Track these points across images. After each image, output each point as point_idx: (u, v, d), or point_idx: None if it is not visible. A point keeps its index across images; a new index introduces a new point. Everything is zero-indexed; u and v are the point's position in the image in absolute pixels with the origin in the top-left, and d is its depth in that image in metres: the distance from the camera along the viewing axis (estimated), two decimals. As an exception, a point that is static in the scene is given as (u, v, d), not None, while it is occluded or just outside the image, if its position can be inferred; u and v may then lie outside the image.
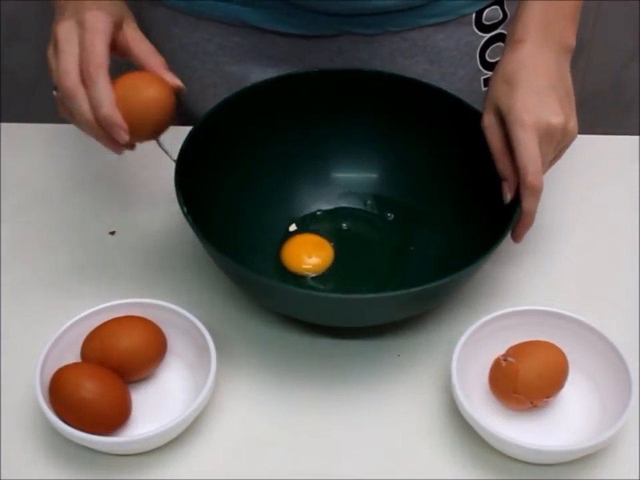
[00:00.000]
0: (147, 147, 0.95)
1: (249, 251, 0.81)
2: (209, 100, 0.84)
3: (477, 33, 0.93)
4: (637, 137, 0.96)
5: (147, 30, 1.01)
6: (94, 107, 0.69)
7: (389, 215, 0.87)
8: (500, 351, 0.71)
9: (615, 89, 1.69)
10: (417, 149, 0.86)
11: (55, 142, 0.97)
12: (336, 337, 0.77)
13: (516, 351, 0.70)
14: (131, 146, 0.73)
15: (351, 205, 0.88)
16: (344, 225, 0.87)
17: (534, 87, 0.73)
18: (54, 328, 0.72)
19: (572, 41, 0.78)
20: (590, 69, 1.65)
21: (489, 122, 0.76)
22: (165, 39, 0.98)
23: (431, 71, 0.94)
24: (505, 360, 0.69)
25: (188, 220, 0.72)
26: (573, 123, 0.75)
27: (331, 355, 0.77)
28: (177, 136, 0.77)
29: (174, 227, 0.84)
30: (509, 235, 0.75)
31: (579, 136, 0.97)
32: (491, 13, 0.93)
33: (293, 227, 0.86)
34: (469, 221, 0.81)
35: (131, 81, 0.72)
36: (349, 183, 0.89)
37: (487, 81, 0.97)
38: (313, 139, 0.87)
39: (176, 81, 0.72)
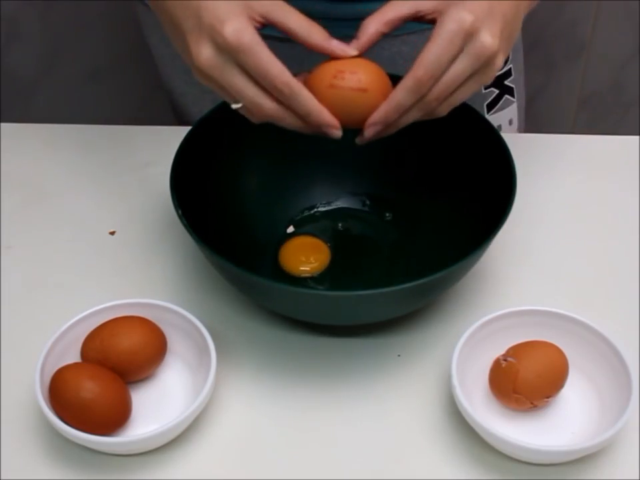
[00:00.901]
0: (147, 147, 0.96)
1: (247, 252, 0.81)
2: (207, 104, 0.84)
3: None
4: (637, 136, 0.96)
5: (145, 33, 1.01)
6: (301, 117, 0.66)
7: (387, 214, 0.87)
8: (500, 351, 0.71)
9: (615, 89, 1.69)
10: (414, 148, 0.86)
11: (55, 142, 0.97)
12: (336, 337, 0.77)
13: (516, 350, 0.70)
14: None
15: (349, 205, 0.88)
16: (341, 225, 0.87)
17: (490, 2, 0.66)
18: (54, 328, 0.72)
19: None
20: (590, 69, 1.65)
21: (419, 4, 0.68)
22: (163, 43, 0.97)
23: None
24: (504, 360, 0.69)
25: (182, 222, 0.72)
26: (501, 61, 0.67)
27: (331, 355, 0.77)
28: (173, 138, 0.78)
29: (174, 227, 0.84)
30: (507, 235, 0.75)
31: (579, 136, 0.98)
32: None
33: (290, 229, 0.86)
34: (467, 219, 0.81)
35: (327, 71, 0.68)
36: (347, 183, 0.89)
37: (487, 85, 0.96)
38: (309, 140, 0.87)
39: (348, 51, 0.68)
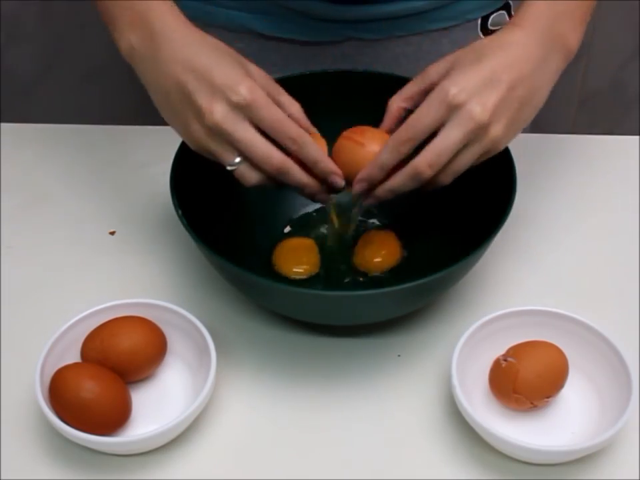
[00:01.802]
0: (147, 147, 0.96)
1: (247, 252, 0.81)
2: None
3: (481, 38, 0.92)
4: (637, 136, 0.96)
5: None
6: (311, 165, 0.70)
7: (386, 214, 0.87)
8: (500, 351, 0.71)
9: (615, 88, 1.69)
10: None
11: (55, 142, 0.97)
12: (336, 337, 0.77)
13: (516, 350, 0.70)
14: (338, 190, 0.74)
15: (349, 205, 0.88)
16: (341, 224, 0.86)
17: (490, 69, 0.68)
18: (54, 328, 0.72)
19: (574, 45, 0.73)
20: (590, 69, 1.65)
21: (434, 71, 0.71)
22: None
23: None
24: (504, 360, 0.69)
25: (182, 222, 0.72)
26: (498, 130, 0.68)
27: (331, 355, 0.77)
28: (173, 138, 0.77)
29: (174, 227, 0.84)
30: (507, 235, 0.75)
31: (579, 136, 0.98)
32: (497, 18, 0.93)
33: (287, 229, 0.86)
34: (467, 219, 0.81)
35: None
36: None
37: None
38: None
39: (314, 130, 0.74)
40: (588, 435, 0.68)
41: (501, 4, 0.93)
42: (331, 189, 0.72)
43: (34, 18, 1.58)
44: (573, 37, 0.73)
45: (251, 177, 0.70)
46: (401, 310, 0.76)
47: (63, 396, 0.68)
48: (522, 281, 0.82)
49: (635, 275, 0.82)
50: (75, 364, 0.71)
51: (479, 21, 0.92)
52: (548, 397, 0.70)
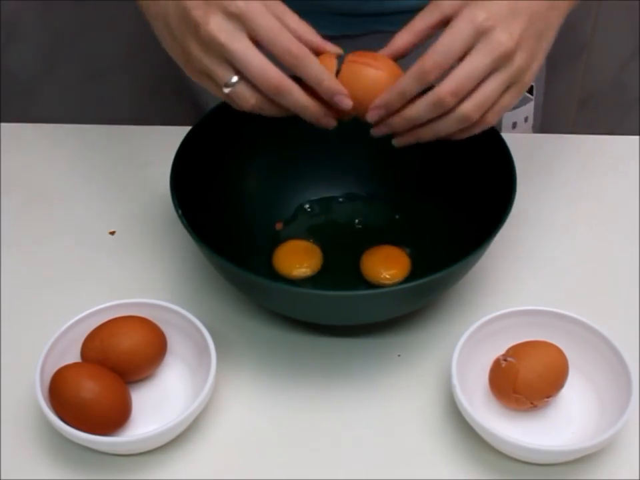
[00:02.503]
0: (147, 147, 0.96)
1: (247, 252, 0.81)
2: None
3: None
4: (637, 136, 0.96)
5: None
6: (314, 84, 0.65)
7: (386, 214, 0.87)
8: (500, 351, 0.71)
9: (615, 88, 1.69)
10: (413, 148, 0.85)
11: (55, 142, 0.97)
12: (336, 337, 0.77)
13: (516, 350, 0.70)
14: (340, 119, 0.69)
15: (349, 205, 0.88)
16: (341, 224, 0.87)
17: (516, 3, 0.67)
18: (54, 328, 0.72)
19: None
20: (590, 69, 1.65)
21: (447, 6, 0.68)
22: None
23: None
24: (504, 360, 0.69)
25: (182, 222, 0.72)
26: (523, 59, 0.66)
27: (331, 355, 0.77)
28: (173, 138, 0.78)
29: (174, 227, 0.84)
30: (507, 235, 0.75)
31: (579, 136, 0.98)
32: None
33: (279, 226, 0.86)
34: (467, 219, 0.81)
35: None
36: (347, 183, 0.89)
37: None
38: (310, 140, 0.87)
39: (337, 49, 0.69)
40: (588, 435, 0.68)
41: None
42: (337, 112, 0.68)
43: (34, 18, 1.57)
44: None
45: (247, 97, 0.66)
46: (400, 310, 0.76)
47: (62, 396, 0.68)
48: (522, 281, 0.82)
49: (635, 275, 0.82)
50: (75, 364, 0.71)
51: None
52: (548, 397, 0.70)
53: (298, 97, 0.66)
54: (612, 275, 0.82)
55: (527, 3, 0.67)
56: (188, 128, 0.80)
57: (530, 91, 0.99)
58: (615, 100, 1.71)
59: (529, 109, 1.00)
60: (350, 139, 0.88)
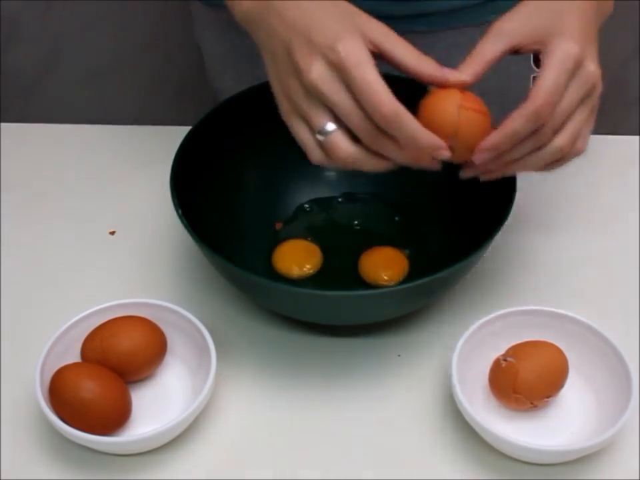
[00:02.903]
0: (147, 147, 0.96)
1: (247, 252, 0.81)
2: None
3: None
4: (637, 136, 0.96)
5: (197, 31, 1.02)
6: (410, 145, 0.63)
7: (386, 215, 0.87)
8: (500, 351, 0.71)
9: (615, 88, 1.69)
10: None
11: (55, 142, 0.97)
12: (336, 337, 0.77)
13: (516, 350, 0.70)
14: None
15: (349, 205, 0.88)
16: (341, 224, 0.87)
17: (582, 24, 0.67)
18: (54, 328, 0.72)
19: (611, 6, 0.72)
20: (590, 69, 1.65)
21: (512, 31, 0.67)
22: (216, 41, 0.98)
23: None
24: (504, 360, 0.69)
25: (182, 222, 0.72)
26: (598, 75, 0.67)
27: (331, 355, 0.77)
28: (173, 138, 0.78)
29: (174, 227, 0.84)
30: (507, 235, 0.75)
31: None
32: None
33: (279, 226, 0.86)
34: (467, 220, 0.81)
35: (433, 102, 0.66)
36: (347, 183, 0.89)
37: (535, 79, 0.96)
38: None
39: (462, 77, 0.66)
40: (587, 435, 0.68)
41: None
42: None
43: (34, 18, 1.57)
44: (610, 3, 0.73)
45: (342, 147, 0.64)
46: (400, 310, 0.76)
47: (62, 396, 0.68)
48: (522, 281, 0.82)
49: (635, 275, 0.82)
50: (75, 364, 0.71)
51: None
52: (548, 397, 0.70)
53: (397, 155, 0.64)
54: (612, 275, 0.82)
55: (590, 26, 0.68)
56: (188, 128, 0.80)
57: None
58: (614, 100, 1.71)
59: None
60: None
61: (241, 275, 0.71)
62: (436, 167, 0.66)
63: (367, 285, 0.81)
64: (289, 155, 0.87)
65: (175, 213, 0.73)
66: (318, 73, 0.62)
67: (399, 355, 0.76)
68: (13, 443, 0.70)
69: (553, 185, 0.91)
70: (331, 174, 0.89)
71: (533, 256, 0.84)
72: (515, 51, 0.68)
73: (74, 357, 0.72)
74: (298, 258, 0.82)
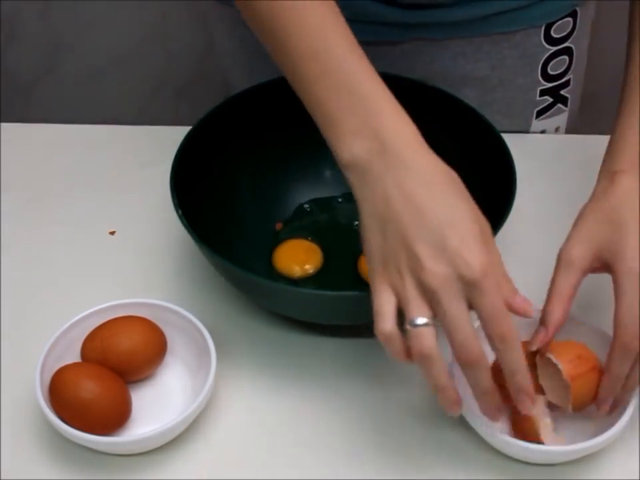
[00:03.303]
0: (147, 147, 0.96)
1: (246, 252, 0.81)
2: None
3: (543, 45, 0.91)
4: (637, 137, 0.96)
5: (211, 27, 1.02)
6: (506, 372, 0.61)
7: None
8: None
9: (615, 89, 1.69)
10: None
11: (55, 142, 0.97)
12: (336, 337, 0.77)
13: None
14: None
15: (349, 205, 0.88)
16: (341, 224, 0.87)
17: (635, 231, 0.66)
18: (54, 328, 0.72)
19: None
20: (590, 69, 1.65)
21: (579, 259, 0.68)
22: (226, 37, 0.98)
23: (490, 76, 0.93)
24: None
25: (182, 222, 0.72)
26: None
27: (331, 355, 0.77)
28: (173, 138, 0.78)
29: (174, 227, 0.84)
30: (507, 235, 0.75)
31: (579, 136, 0.98)
32: (562, 25, 0.92)
33: (279, 226, 0.86)
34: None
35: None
36: (345, 183, 0.88)
37: (543, 92, 0.95)
38: (309, 141, 0.87)
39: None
40: (588, 435, 0.68)
41: (568, 11, 0.93)
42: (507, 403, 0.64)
43: (34, 18, 1.58)
44: None
45: (428, 341, 0.60)
46: (400, 310, 0.76)
47: (62, 396, 0.68)
48: (522, 281, 0.82)
49: (635, 275, 0.82)
50: (75, 364, 0.71)
51: (543, 28, 0.91)
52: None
53: (485, 378, 0.61)
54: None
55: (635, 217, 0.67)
56: (188, 128, 0.80)
57: (565, 103, 0.99)
58: (615, 100, 1.70)
59: (562, 119, 1.00)
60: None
61: (241, 275, 0.71)
62: (497, 417, 0.64)
63: (367, 285, 0.80)
64: (289, 155, 0.87)
65: (175, 213, 0.73)
66: (442, 276, 0.59)
67: (399, 355, 0.76)
68: (13, 443, 0.70)
69: (553, 184, 0.91)
70: (331, 174, 0.89)
71: (532, 256, 0.84)
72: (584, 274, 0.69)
73: (74, 357, 0.72)
74: (298, 258, 0.83)
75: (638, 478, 0.68)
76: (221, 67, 1.05)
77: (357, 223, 0.86)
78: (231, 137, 0.83)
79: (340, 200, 0.88)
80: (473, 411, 0.67)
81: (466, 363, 0.60)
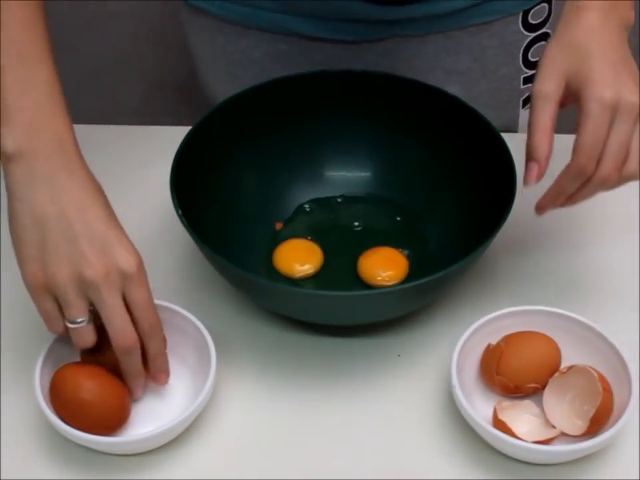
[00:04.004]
0: (147, 147, 0.96)
1: (247, 252, 0.81)
2: None
3: (522, 32, 0.93)
4: (637, 136, 0.96)
5: (186, 36, 1.02)
6: (150, 355, 0.69)
7: (386, 215, 0.87)
8: (500, 350, 0.71)
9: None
10: (414, 149, 0.86)
11: (54, 142, 0.97)
12: (336, 337, 0.77)
13: (509, 338, 0.71)
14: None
15: (349, 205, 0.88)
16: (341, 224, 0.87)
17: (609, 59, 0.68)
18: (54, 328, 0.72)
19: (632, 17, 0.73)
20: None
21: (552, 91, 0.68)
22: (205, 45, 0.98)
23: (473, 69, 0.94)
24: (493, 343, 0.70)
25: (182, 222, 0.72)
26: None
27: (331, 355, 0.77)
28: (173, 138, 0.78)
29: (174, 227, 0.84)
30: (507, 235, 0.75)
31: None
32: (538, 11, 0.93)
33: (279, 226, 0.86)
34: (467, 219, 0.81)
35: None
36: (347, 183, 0.89)
37: (526, 80, 0.96)
38: (309, 141, 0.87)
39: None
40: (587, 435, 0.68)
41: None
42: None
43: (34, 18, 1.57)
44: (630, 9, 0.73)
45: (88, 339, 0.67)
46: (400, 310, 0.76)
47: (62, 396, 0.68)
48: (522, 281, 0.82)
49: (634, 274, 0.82)
50: (75, 364, 0.71)
51: (520, 15, 0.92)
52: (533, 384, 0.70)
53: (137, 365, 0.68)
54: (612, 275, 0.82)
55: (613, 47, 0.69)
56: (188, 128, 0.80)
57: None
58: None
59: None
60: (350, 139, 0.88)
61: (240, 275, 0.71)
62: (138, 394, 0.71)
63: (366, 285, 0.81)
64: (288, 155, 0.87)
65: (174, 213, 0.73)
66: (104, 273, 0.65)
67: (398, 355, 0.76)
68: (13, 443, 0.70)
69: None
70: (331, 174, 0.89)
71: (532, 255, 0.84)
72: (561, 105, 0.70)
73: (74, 357, 0.72)
74: (298, 258, 0.83)
75: (638, 478, 0.68)
76: (201, 77, 1.05)
77: (357, 223, 0.87)
78: (230, 137, 0.83)
79: (340, 200, 0.89)
80: (473, 411, 0.67)
81: (122, 348, 0.66)
